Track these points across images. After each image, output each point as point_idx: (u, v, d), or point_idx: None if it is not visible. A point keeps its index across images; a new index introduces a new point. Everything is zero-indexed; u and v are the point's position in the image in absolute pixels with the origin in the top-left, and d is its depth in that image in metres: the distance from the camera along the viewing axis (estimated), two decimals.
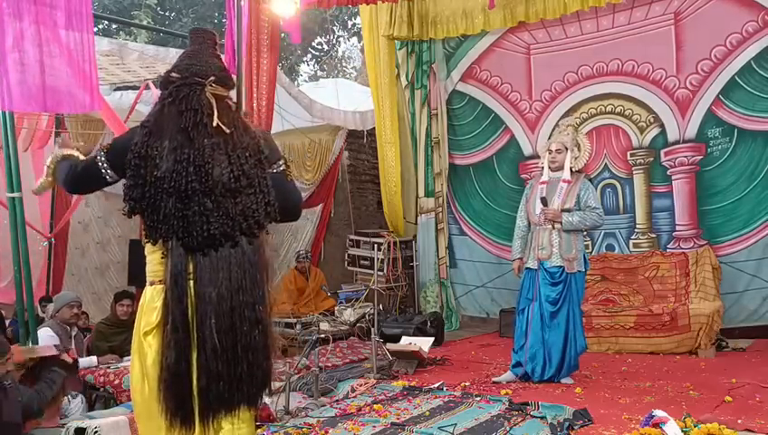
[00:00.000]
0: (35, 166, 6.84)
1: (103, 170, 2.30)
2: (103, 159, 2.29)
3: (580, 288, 4.77)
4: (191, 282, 2.17)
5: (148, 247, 2.27)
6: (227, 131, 2.26)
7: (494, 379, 4.80)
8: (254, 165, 2.28)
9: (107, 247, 8.36)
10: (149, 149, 2.20)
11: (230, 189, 2.22)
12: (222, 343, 2.13)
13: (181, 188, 2.17)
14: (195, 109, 2.25)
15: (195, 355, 2.13)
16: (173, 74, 2.34)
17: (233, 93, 2.53)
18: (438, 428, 3.52)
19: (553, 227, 4.72)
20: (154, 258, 2.26)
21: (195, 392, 2.13)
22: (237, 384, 2.16)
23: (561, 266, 4.69)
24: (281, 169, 2.41)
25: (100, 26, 14.84)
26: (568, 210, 4.69)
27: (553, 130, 5.46)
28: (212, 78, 2.31)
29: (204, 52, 2.40)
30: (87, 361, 4.95)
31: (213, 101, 2.28)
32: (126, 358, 5.01)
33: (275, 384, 4.45)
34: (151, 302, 2.23)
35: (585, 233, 5.31)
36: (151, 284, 2.27)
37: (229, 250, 2.20)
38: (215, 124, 2.24)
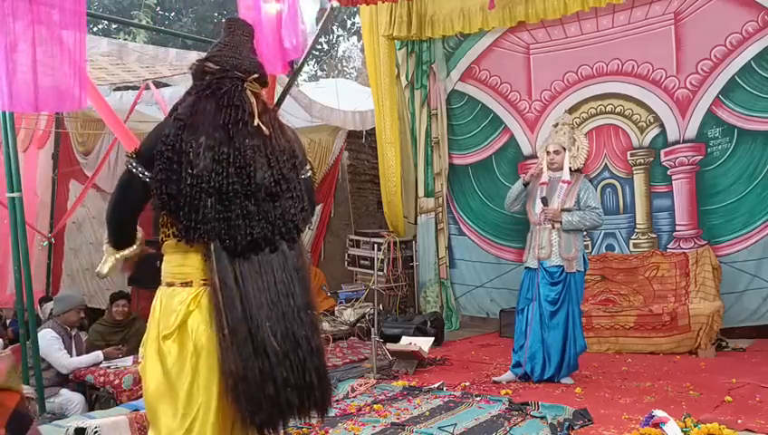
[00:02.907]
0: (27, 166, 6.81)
1: (141, 175, 2.11)
2: (134, 163, 2.13)
3: (580, 288, 4.78)
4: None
5: (170, 247, 2.16)
6: (267, 132, 2.18)
7: (494, 379, 4.81)
8: (290, 169, 2.22)
9: (99, 248, 8.16)
10: (183, 143, 2.08)
11: (271, 193, 2.15)
12: (281, 347, 2.05)
13: (222, 189, 2.08)
14: (236, 105, 2.14)
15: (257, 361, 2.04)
16: (209, 64, 2.22)
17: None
18: (438, 428, 3.53)
19: (553, 227, 4.73)
20: (175, 259, 2.16)
21: (263, 399, 2.03)
22: (307, 391, 2.09)
23: (560, 266, 4.70)
24: (309, 174, 2.36)
25: (100, 26, 14.80)
26: (568, 210, 4.70)
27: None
28: (255, 75, 2.22)
29: (243, 45, 2.28)
30: (94, 356, 4.94)
31: (252, 99, 2.19)
32: (129, 357, 5.01)
33: None
34: (169, 304, 2.11)
35: (585, 233, 5.32)
36: (170, 285, 2.16)
37: (270, 255, 2.13)
38: (255, 124, 2.16)
